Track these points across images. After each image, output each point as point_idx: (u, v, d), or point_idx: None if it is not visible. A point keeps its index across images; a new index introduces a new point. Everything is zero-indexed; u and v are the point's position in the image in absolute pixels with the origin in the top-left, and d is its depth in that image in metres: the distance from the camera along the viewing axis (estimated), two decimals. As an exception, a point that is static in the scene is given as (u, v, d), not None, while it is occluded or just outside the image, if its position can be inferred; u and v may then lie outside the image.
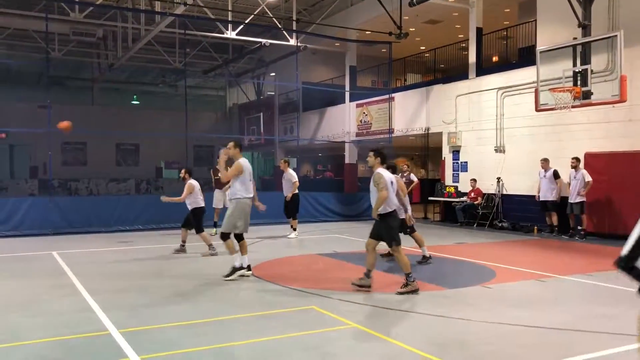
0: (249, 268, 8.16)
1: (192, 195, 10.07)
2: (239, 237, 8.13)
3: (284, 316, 5.99)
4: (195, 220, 10.17)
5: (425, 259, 9.51)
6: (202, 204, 10.25)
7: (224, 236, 8.02)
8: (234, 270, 7.96)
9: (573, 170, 12.59)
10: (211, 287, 7.51)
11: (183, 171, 10.59)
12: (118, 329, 5.39)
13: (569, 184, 12.73)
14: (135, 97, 32.85)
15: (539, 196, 13.33)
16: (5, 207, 13.32)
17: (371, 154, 7.48)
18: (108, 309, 6.15)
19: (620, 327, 5.57)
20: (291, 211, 13.26)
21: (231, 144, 8.25)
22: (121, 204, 14.62)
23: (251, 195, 8.20)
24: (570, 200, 12.62)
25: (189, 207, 10.25)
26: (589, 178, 12.35)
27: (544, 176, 13.21)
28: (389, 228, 7.19)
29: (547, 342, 5.21)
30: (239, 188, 8.00)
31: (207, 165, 31.60)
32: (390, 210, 7.19)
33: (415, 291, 7.01)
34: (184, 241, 10.37)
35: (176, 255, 10.21)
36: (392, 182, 7.35)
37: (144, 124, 26.82)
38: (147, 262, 9.67)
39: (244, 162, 8.12)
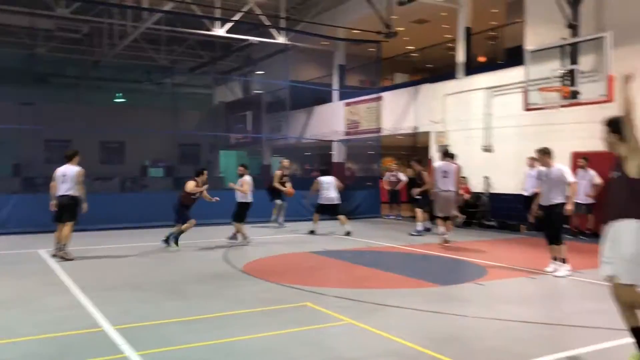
0: None
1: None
2: None
3: (279, 312, 5.97)
4: (242, 212, 11.40)
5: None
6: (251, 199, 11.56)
7: None
8: None
9: (581, 169, 12.50)
10: (204, 284, 7.47)
11: (242, 167, 11.88)
12: (112, 325, 5.33)
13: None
14: (120, 94, 32.52)
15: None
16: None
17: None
18: (101, 305, 6.08)
19: (610, 321, 5.62)
20: None
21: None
22: (107, 202, 14.45)
23: None
24: (577, 200, 12.52)
25: (240, 200, 11.47)
26: (598, 180, 12.10)
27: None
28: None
29: (541, 337, 5.26)
30: None
31: (193, 164, 31.49)
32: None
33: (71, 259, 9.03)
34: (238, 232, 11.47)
35: (167, 253, 10.14)
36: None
37: (129, 122, 26.57)
38: (137, 260, 9.58)
39: None
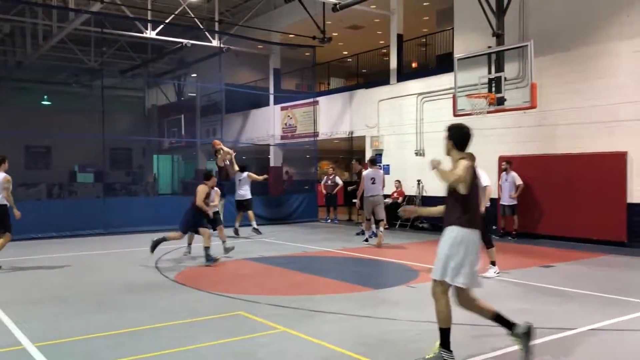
0: None
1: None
2: None
3: (211, 323, 5.87)
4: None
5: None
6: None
7: None
8: None
9: (504, 172, 13.07)
10: (134, 296, 7.25)
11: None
12: (33, 342, 5.08)
13: (500, 186, 13.15)
14: (45, 97, 31.16)
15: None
16: None
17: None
18: (22, 321, 5.79)
19: (535, 320, 5.86)
20: None
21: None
22: (33, 210, 13.77)
23: None
24: (502, 202, 13.09)
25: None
26: (519, 182, 12.76)
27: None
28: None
29: (469, 338, 5.42)
30: None
31: (125, 169, 30.52)
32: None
33: None
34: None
35: (94, 265, 9.78)
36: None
37: (56, 125, 25.49)
38: (64, 271, 9.19)
39: None
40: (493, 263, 8.46)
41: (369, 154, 17.70)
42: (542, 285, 7.75)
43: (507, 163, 13.04)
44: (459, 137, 4.68)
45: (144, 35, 18.37)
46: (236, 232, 13.68)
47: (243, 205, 13.89)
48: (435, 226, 14.93)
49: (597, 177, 11.81)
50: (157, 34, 18.41)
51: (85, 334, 5.43)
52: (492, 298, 7.31)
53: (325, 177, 17.97)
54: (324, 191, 17.71)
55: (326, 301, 6.88)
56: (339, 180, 17.62)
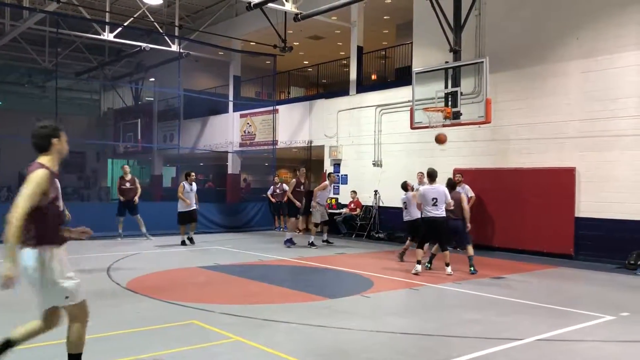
0: None
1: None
2: None
3: (163, 332, 5.77)
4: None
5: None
6: None
7: None
8: None
9: (457, 185, 13.30)
10: (83, 303, 7.04)
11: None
12: (-26, 352, 4.87)
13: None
14: (-4, 97, 30.14)
15: None
16: None
17: None
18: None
19: (485, 331, 6.04)
20: None
21: None
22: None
23: None
24: None
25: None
26: (471, 194, 13.04)
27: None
28: None
29: (421, 347, 5.49)
30: None
31: (78, 173, 29.72)
32: None
33: None
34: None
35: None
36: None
37: (6, 126, 24.62)
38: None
39: None
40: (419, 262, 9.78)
41: (327, 164, 17.80)
42: (493, 296, 7.93)
43: (460, 176, 13.33)
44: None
45: (102, 37, 18.02)
46: (183, 243, 13.55)
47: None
48: (392, 236, 15.10)
49: (547, 191, 12.19)
50: (114, 37, 18.08)
51: (32, 342, 5.23)
52: (444, 308, 7.47)
53: (272, 187, 17.74)
54: (273, 200, 17.52)
55: (281, 310, 6.86)
56: (287, 187, 17.52)
